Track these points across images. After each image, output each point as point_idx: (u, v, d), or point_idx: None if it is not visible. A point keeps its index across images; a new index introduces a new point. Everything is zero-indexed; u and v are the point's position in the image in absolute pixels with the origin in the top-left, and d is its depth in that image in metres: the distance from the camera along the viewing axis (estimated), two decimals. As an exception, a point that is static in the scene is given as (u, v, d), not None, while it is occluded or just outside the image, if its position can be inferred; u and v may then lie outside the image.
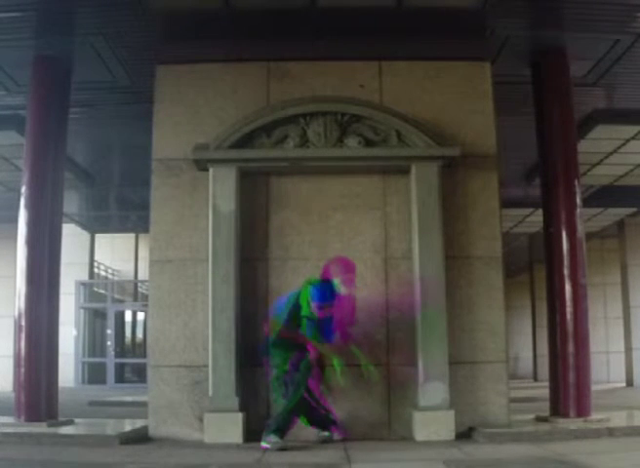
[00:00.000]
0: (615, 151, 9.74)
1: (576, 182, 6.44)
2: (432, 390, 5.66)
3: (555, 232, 6.36)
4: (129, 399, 10.50)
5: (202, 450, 5.20)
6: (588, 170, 10.36)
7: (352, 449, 5.08)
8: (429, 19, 6.10)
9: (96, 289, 17.11)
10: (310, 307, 5.19)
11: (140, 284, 18.34)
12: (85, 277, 16.13)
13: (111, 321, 16.44)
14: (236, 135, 6.02)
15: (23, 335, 6.13)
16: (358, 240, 6.06)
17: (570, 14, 6.05)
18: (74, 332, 15.54)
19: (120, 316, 18.18)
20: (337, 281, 5.24)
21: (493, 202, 6.16)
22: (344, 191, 6.16)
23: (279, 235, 6.10)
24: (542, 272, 6.80)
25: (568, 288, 6.19)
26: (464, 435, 5.61)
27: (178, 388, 5.88)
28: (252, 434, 5.60)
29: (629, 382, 14.75)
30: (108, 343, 16.32)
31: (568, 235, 6.28)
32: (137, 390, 12.27)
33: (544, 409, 6.51)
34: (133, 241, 17.67)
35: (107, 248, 17.67)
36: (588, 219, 13.60)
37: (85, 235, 15.99)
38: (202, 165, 6.04)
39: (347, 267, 5.32)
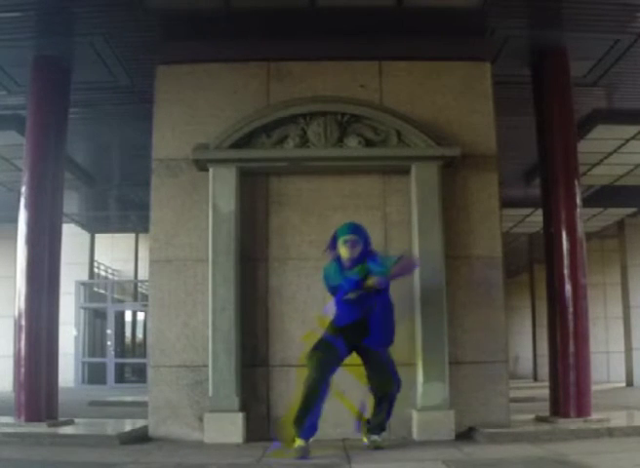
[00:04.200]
0: (615, 151, 9.74)
1: (576, 182, 6.43)
2: (432, 390, 5.66)
3: (555, 232, 6.37)
4: (129, 399, 10.50)
5: (202, 450, 5.20)
6: (588, 170, 10.36)
7: (352, 449, 5.08)
8: (429, 19, 6.11)
9: (96, 289, 17.11)
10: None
11: (139, 284, 18.34)
12: (85, 277, 16.13)
13: (111, 321, 16.45)
14: (236, 135, 6.02)
15: (23, 335, 6.13)
16: (358, 240, 6.05)
17: (570, 14, 6.06)
18: (74, 332, 15.55)
19: (120, 316, 18.18)
20: (341, 240, 5.01)
21: (493, 202, 6.16)
22: (344, 191, 6.16)
23: (279, 235, 6.10)
24: (542, 272, 6.81)
25: (568, 288, 6.18)
26: (464, 435, 5.62)
27: (178, 388, 5.88)
28: (252, 434, 5.61)
29: (629, 382, 14.75)
30: (108, 343, 16.32)
31: (568, 235, 6.28)
32: (137, 390, 12.27)
33: (544, 409, 6.51)
34: (133, 241, 17.68)
35: (107, 248, 17.67)
36: (588, 219, 13.61)
37: (85, 235, 15.99)
38: (202, 165, 6.04)
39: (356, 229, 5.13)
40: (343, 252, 5.03)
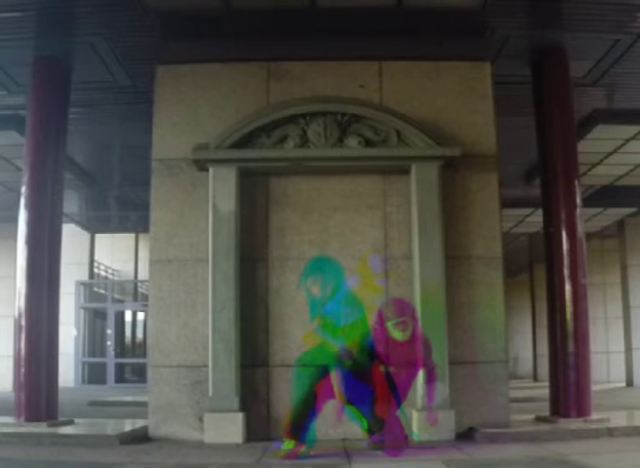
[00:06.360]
0: (615, 151, 9.75)
1: (576, 182, 6.44)
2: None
3: (555, 232, 6.37)
4: (129, 399, 10.51)
5: (202, 450, 5.21)
6: (588, 170, 10.36)
7: (352, 449, 5.08)
8: (429, 19, 6.12)
9: (96, 289, 17.10)
10: None
11: (139, 284, 18.33)
12: (85, 277, 16.12)
13: (111, 321, 16.44)
14: (236, 135, 6.02)
15: (23, 335, 6.14)
16: (358, 240, 6.06)
17: (570, 14, 6.06)
18: (74, 332, 15.54)
19: (120, 316, 18.17)
20: (390, 324, 5.02)
21: (493, 202, 6.16)
22: (344, 191, 6.16)
23: (279, 235, 6.10)
24: (542, 272, 6.81)
25: (568, 288, 6.19)
26: (464, 435, 5.61)
27: (178, 388, 5.88)
28: (252, 434, 5.61)
29: (629, 382, 14.75)
30: (108, 343, 16.32)
31: (568, 235, 6.28)
32: (137, 390, 12.27)
33: (544, 409, 6.51)
34: (133, 241, 17.66)
35: (107, 248, 17.67)
36: (588, 219, 13.60)
37: (85, 235, 16.00)
38: (202, 165, 6.04)
39: (403, 309, 5.13)
40: None
